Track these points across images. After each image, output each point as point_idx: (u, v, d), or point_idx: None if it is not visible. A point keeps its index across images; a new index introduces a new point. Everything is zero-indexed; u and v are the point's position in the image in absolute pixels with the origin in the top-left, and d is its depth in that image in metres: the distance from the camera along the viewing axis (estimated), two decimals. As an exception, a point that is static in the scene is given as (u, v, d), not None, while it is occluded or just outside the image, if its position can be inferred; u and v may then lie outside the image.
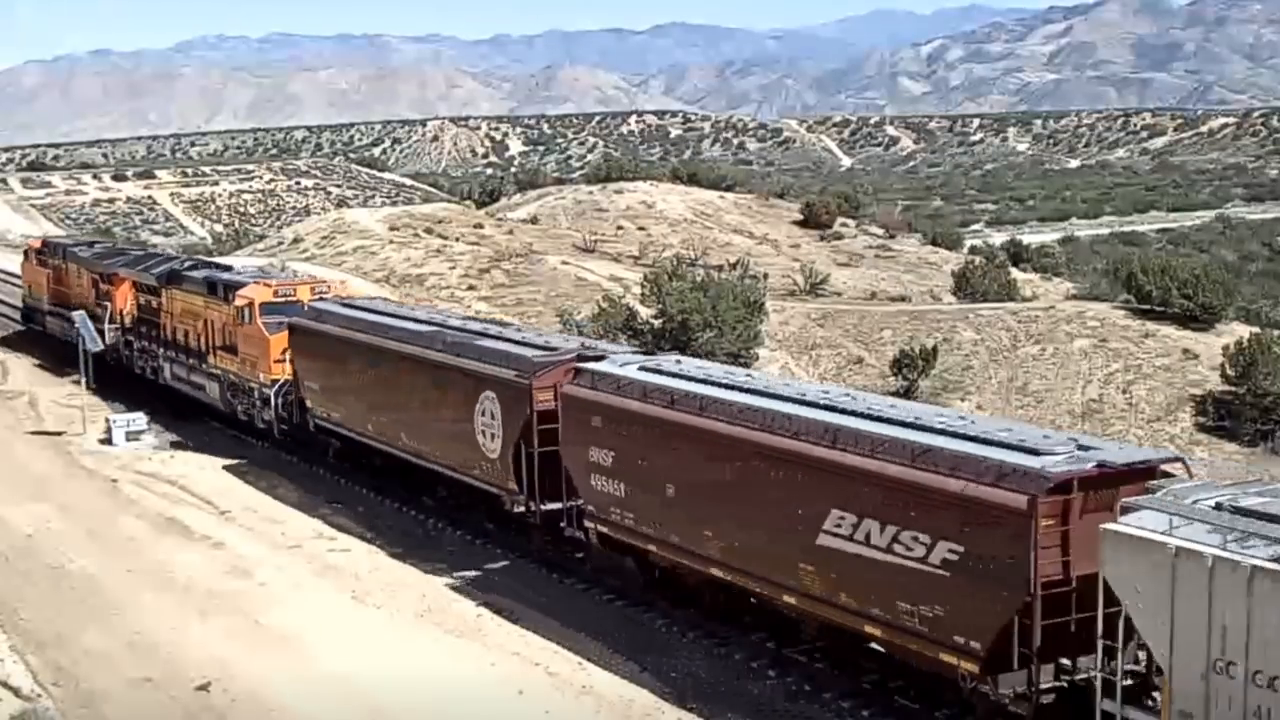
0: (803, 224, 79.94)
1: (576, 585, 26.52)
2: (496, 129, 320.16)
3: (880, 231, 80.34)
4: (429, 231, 69.63)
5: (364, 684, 21.86)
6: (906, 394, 42.56)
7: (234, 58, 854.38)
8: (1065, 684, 17.84)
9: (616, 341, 41.79)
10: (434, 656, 23.29)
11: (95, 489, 34.98)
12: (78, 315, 46.32)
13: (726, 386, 23.30)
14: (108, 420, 40.36)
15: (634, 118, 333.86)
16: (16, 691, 21.43)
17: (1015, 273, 65.29)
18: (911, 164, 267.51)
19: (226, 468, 37.04)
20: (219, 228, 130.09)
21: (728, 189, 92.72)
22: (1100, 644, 16.71)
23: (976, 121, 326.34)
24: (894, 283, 64.20)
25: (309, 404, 34.90)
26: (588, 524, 25.20)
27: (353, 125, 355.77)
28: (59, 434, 41.23)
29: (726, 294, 46.72)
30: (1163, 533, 15.68)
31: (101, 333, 45.38)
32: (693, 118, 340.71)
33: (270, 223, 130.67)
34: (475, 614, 25.34)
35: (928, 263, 71.72)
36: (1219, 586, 15.04)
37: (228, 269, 45.30)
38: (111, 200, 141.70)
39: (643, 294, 49.40)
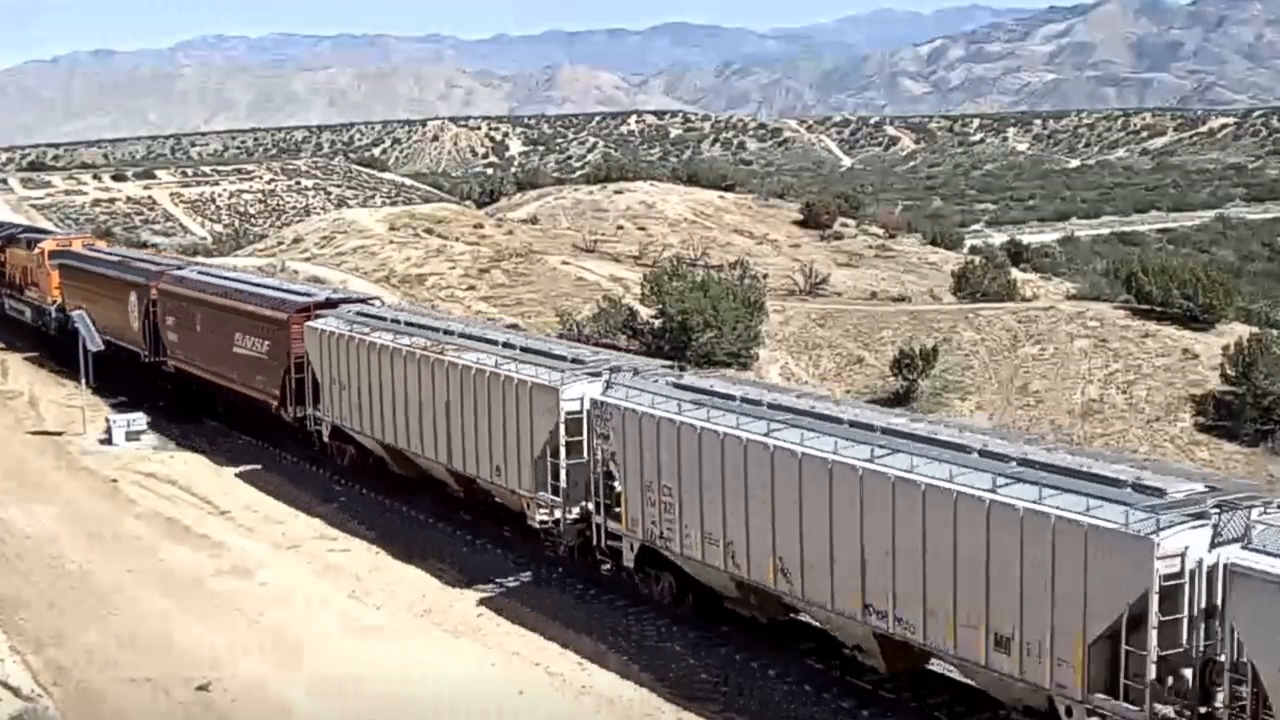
0: (803, 224, 79.85)
1: (577, 585, 26.55)
2: (496, 129, 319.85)
3: (880, 231, 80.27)
4: (429, 231, 69.59)
5: (363, 684, 21.87)
6: (906, 394, 42.54)
7: (234, 58, 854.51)
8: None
9: (615, 340, 42.02)
10: (434, 656, 23.30)
11: (95, 489, 35.00)
12: (77, 315, 46.47)
13: (214, 276, 43.85)
14: (108, 420, 40.37)
15: (634, 118, 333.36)
16: (16, 691, 21.43)
17: (1015, 273, 65.18)
18: (911, 164, 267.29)
19: (226, 468, 37.06)
20: (219, 228, 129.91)
21: (728, 189, 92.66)
22: (309, 386, 34.94)
23: (976, 121, 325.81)
24: (894, 283, 64.12)
25: (69, 312, 50.00)
26: (169, 363, 42.92)
27: (353, 125, 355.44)
28: (59, 434, 41.24)
29: (726, 294, 46.68)
30: (324, 322, 34.50)
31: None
32: (693, 118, 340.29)
33: (270, 223, 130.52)
34: (475, 614, 25.36)
35: (928, 263, 71.63)
36: (339, 349, 33.29)
37: (46, 233, 63.50)
38: (111, 200, 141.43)
39: (643, 294, 49.37)
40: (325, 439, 34.71)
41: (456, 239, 67.09)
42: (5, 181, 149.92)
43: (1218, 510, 16.93)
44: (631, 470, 23.91)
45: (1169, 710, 16.59)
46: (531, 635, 24.11)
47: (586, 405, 24.96)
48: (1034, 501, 17.67)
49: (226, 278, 43.67)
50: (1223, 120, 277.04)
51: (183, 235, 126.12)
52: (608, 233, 74.42)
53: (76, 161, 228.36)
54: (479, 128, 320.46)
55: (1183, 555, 16.50)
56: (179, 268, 46.28)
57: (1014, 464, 19.01)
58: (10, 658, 23.12)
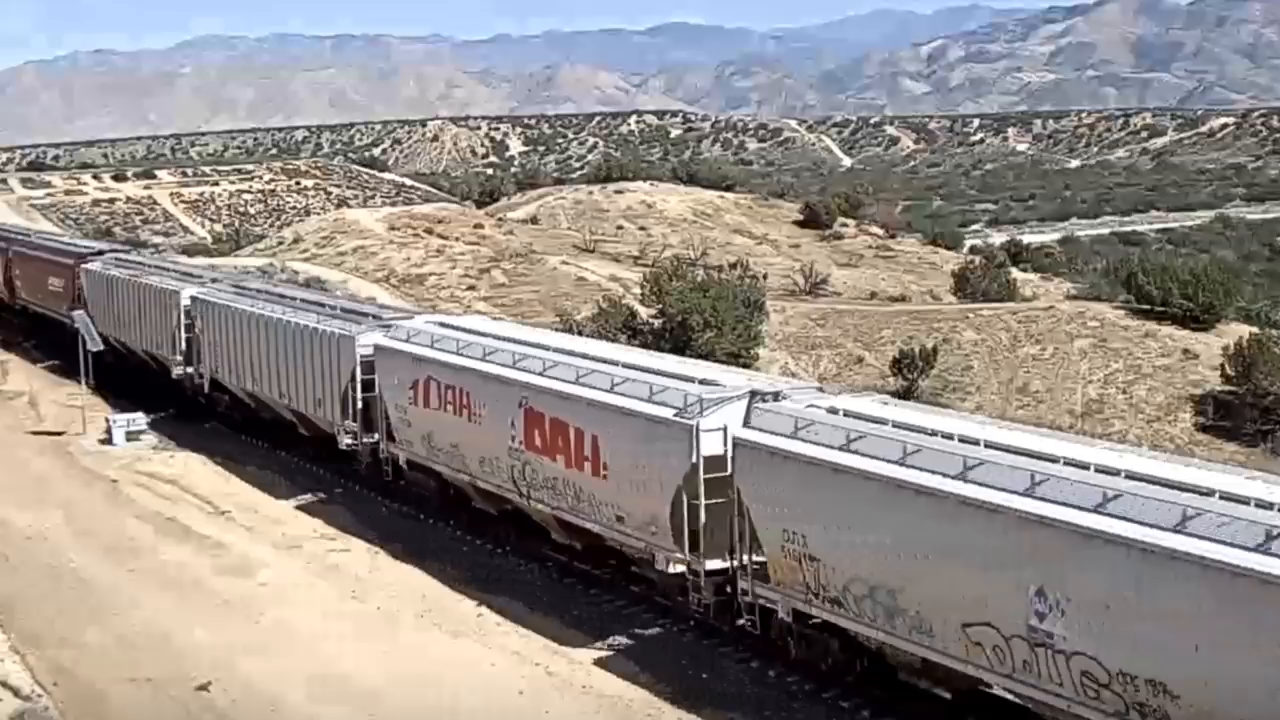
0: (803, 224, 79.94)
1: (576, 585, 26.54)
2: (496, 129, 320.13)
3: (880, 231, 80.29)
4: (429, 231, 69.61)
5: (363, 684, 21.87)
6: (907, 394, 42.54)
7: (234, 58, 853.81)
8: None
9: (616, 341, 42.04)
10: (434, 656, 23.29)
11: (95, 489, 34.99)
12: (78, 315, 46.55)
13: (42, 239, 62.96)
14: (108, 420, 40.36)
15: (634, 118, 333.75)
16: (16, 691, 21.42)
17: (1015, 273, 65.23)
18: (911, 164, 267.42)
19: (227, 468, 37.04)
20: (219, 228, 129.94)
21: (728, 189, 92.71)
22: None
23: (976, 121, 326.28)
24: (894, 283, 64.20)
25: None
26: (17, 302, 56.96)
27: (353, 125, 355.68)
28: (59, 434, 41.23)
29: (726, 294, 46.69)
30: (91, 265, 49.55)
31: None
32: (693, 118, 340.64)
33: (270, 223, 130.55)
34: (475, 614, 25.34)
35: (928, 263, 71.70)
36: (96, 281, 48.26)
37: None
38: (111, 200, 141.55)
39: (643, 294, 49.40)
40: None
41: (456, 239, 67.12)
42: (5, 181, 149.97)
43: (385, 321, 32.93)
44: (206, 336, 39.72)
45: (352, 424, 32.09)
46: (531, 635, 24.10)
47: (191, 303, 40.79)
48: (312, 323, 34.16)
49: (47, 239, 64.42)
50: (1223, 120, 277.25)
51: (183, 235, 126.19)
52: (608, 233, 74.46)
53: (76, 161, 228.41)
54: (479, 128, 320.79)
55: (365, 345, 31.46)
56: (26, 236, 65.30)
57: (332, 308, 35.79)
58: (10, 658, 23.12)
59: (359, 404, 31.30)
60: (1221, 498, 15.59)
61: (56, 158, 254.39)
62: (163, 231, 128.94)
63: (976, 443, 18.29)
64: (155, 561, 28.73)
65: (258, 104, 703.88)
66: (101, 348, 46.17)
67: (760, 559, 21.03)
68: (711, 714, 20.85)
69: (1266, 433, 39.40)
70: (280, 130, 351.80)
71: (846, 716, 20.50)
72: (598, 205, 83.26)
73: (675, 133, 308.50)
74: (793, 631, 21.01)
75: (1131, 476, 16.46)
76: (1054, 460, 17.29)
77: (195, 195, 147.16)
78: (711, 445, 21.07)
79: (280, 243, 76.43)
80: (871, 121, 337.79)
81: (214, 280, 43.64)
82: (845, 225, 79.91)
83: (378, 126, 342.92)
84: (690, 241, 70.39)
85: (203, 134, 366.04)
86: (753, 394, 21.43)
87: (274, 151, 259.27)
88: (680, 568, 22.22)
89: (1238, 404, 40.23)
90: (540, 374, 25.40)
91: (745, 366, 43.81)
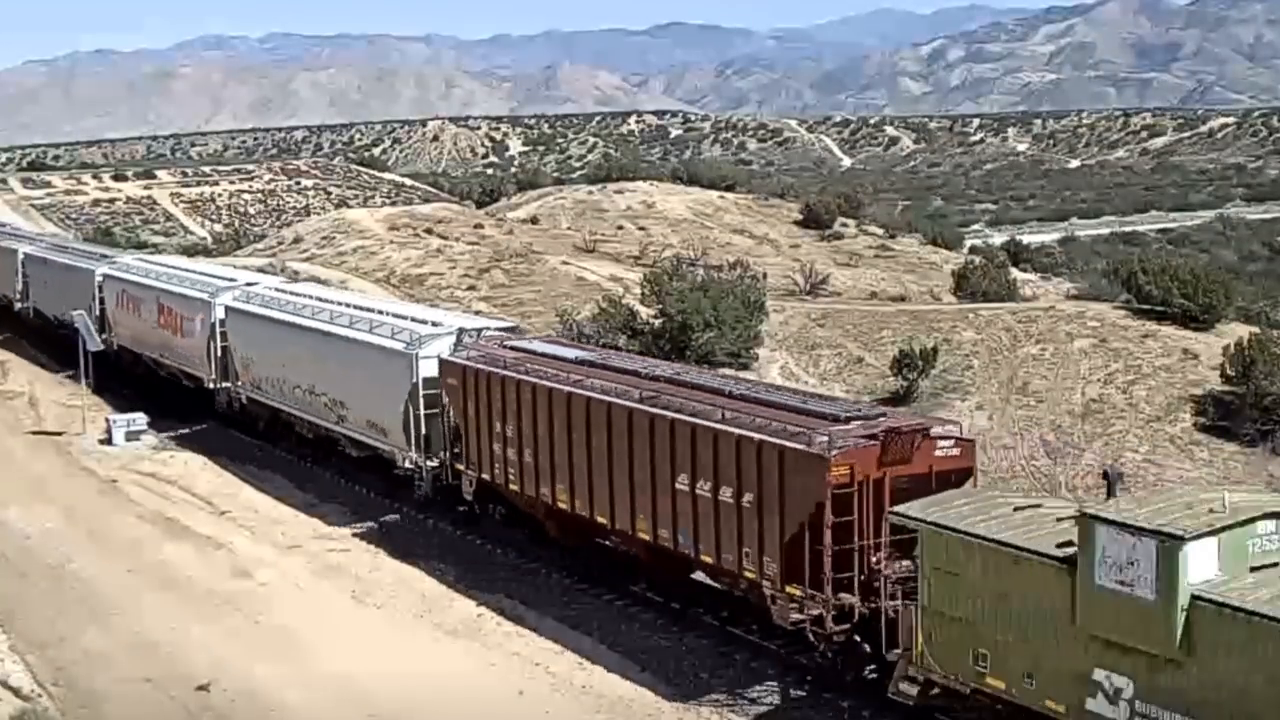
0: (803, 224, 79.80)
1: (577, 585, 26.54)
2: (496, 129, 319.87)
3: (880, 231, 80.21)
4: (429, 231, 69.54)
5: (363, 684, 21.87)
6: (907, 394, 42.51)
7: (234, 58, 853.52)
8: None
9: (615, 340, 42.11)
10: (434, 656, 23.30)
11: (95, 489, 35.00)
12: (78, 315, 46.50)
13: None
14: (108, 420, 40.37)
15: (634, 118, 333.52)
16: (16, 691, 21.43)
17: (1015, 272, 65.07)
18: (911, 164, 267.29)
19: (226, 468, 37.06)
20: (219, 228, 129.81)
21: (728, 189, 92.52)
22: None
23: (976, 121, 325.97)
24: (894, 283, 64.14)
25: None
26: None
27: (353, 125, 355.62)
28: (59, 434, 41.24)
29: (727, 294, 46.61)
30: None
31: None
32: (693, 118, 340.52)
33: (270, 223, 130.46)
34: (475, 614, 25.35)
35: (928, 263, 71.61)
36: None
37: None
38: (111, 200, 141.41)
39: (643, 294, 49.30)
40: None
41: (456, 239, 67.05)
42: (5, 181, 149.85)
43: (112, 259, 51.83)
44: (31, 279, 56.82)
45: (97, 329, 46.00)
46: (531, 635, 24.10)
47: (25, 258, 57.45)
48: (73, 263, 52.61)
49: None
50: (1223, 120, 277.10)
51: (183, 235, 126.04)
52: (608, 233, 74.36)
53: (76, 161, 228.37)
54: (479, 128, 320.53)
55: (99, 276, 48.34)
56: None
57: (89, 254, 54.59)
58: (10, 658, 23.12)
59: (99, 314, 47.22)
60: (378, 312, 34.42)
61: (56, 158, 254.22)
62: (163, 231, 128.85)
63: (319, 299, 37.62)
64: (155, 561, 28.74)
65: (258, 104, 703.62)
66: (102, 348, 46.24)
67: (240, 376, 38.44)
68: (712, 713, 20.86)
69: (1267, 433, 39.21)
70: (280, 130, 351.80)
71: (847, 715, 20.52)
72: (598, 205, 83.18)
73: (675, 133, 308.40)
74: (249, 411, 38.88)
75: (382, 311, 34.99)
76: (371, 310, 35.41)
77: (195, 195, 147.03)
78: (219, 314, 39.50)
79: (280, 243, 76.36)
80: (871, 121, 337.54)
81: (42, 241, 64.82)
82: (845, 225, 79.82)
83: (378, 126, 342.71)
84: (690, 241, 70.31)
85: (203, 134, 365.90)
86: (247, 284, 41.41)
87: (274, 151, 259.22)
88: (210, 385, 40.21)
89: (1238, 404, 40.07)
90: (166, 282, 44.45)
91: (744, 367, 43.91)
